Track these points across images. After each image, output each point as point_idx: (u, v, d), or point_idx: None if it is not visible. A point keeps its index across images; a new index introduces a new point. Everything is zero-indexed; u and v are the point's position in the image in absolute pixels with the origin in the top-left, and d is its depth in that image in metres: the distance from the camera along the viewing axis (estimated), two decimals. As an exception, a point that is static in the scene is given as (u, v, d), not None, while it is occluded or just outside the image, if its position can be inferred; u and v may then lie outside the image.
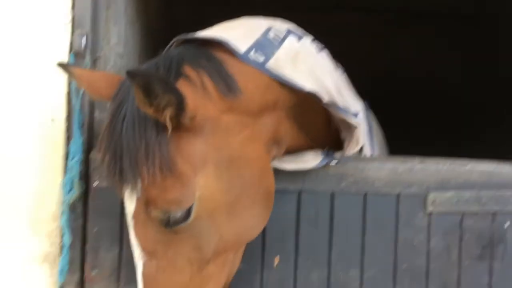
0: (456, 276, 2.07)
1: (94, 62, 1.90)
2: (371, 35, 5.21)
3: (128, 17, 2.88)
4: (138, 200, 1.37)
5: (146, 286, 1.42)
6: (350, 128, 1.98)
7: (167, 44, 1.71)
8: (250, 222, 1.57)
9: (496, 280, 2.10)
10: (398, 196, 2.04)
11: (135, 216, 1.39)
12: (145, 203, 1.36)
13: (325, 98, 1.78)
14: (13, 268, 1.86)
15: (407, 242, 2.04)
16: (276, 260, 1.97)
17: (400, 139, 3.38)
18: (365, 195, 2.02)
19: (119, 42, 2.58)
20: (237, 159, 1.46)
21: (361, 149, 2.11)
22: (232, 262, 1.60)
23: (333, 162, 1.92)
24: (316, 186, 1.98)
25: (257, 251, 1.95)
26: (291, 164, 1.84)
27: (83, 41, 1.76)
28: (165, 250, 1.40)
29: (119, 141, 1.30)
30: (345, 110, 1.91)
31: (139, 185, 1.32)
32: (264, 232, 1.95)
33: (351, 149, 1.99)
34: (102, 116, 2.19)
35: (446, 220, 2.06)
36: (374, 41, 5.25)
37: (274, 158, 1.78)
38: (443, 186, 2.06)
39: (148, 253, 1.40)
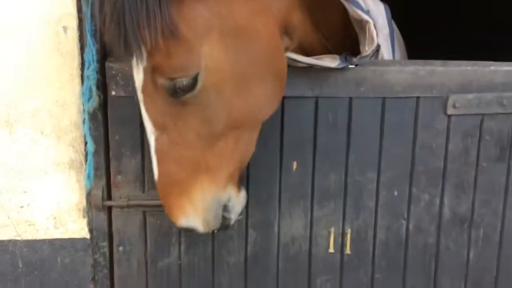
0: (473, 177, 2.10)
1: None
2: None
3: None
4: (144, 70, 1.39)
5: (159, 161, 1.48)
6: (365, 27, 1.90)
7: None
8: (261, 99, 1.57)
9: (513, 181, 2.13)
10: (417, 99, 2.01)
11: (144, 89, 1.42)
12: (151, 72, 1.38)
13: None
14: (42, 174, 1.93)
15: (425, 145, 2.05)
16: (294, 165, 2.00)
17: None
18: (384, 99, 1.99)
19: None
20: (244, 30, 1.44)
21: (377, 51, 2.05)
22: (246, 142, 1.60)
23: (351, 66, 1.87)
24: (334, 92, 1.96)
25: (275, 156, 1.98)
26: (305, 59, 1.79)
27: None
28: (175, 123, 1.43)
29: (121, 8, 1.29)
30: (358, 3, 1.83)
31: (143, 52, 1.33)
32: (281, 137, 1.97)
33: (366, 48, 1.93)
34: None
35: (466, 122, 2.05)
36: None
37: (286, 50, 1.75)
38: (464, 88, 2.02)
39: (159, 127, 1.44)
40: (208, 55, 1.38)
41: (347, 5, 1.83)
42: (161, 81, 1.38)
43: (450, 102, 2.02)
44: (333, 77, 1.94)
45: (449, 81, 2.01)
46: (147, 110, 1.45)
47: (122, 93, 1.82)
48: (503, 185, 2.13)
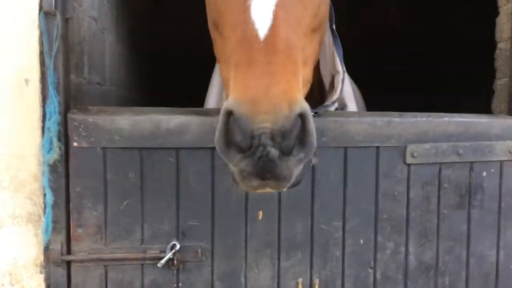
0: (436, 224, 2.14)
1: (66, 22, 1.86)
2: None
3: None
4: None
5: (278, 5, 1.34)
6: (333, 81, 2.02)
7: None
8: None
9: (474, 228, 2.18)
10: (377, 149, 2.07)
11: None
12: None
13: None
14: (-3, 230, 1.85)
15: (387, 193, 2.09)
16: (260, 215, 2.00)
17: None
18: (346, 149, 2.05)
19: (93, 6, 2.53)
20: None
21: (342, 108, 2.15)
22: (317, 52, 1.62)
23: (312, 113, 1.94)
24: (297, 142, 2.00)
25: (240, 205, 1.97)
26: None
27: (53, 0, 1.72)
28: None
29: None
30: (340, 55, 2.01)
31: None
32: (247, 187, 1.97)
33: (329, 99, 2.02)
34: (77, 80, 2.18)
35: (425, 171, 2.12)
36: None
37: None
38: (421, 138, 2.10)
39: None
40: None
41: (334, 54, 1.99)
42: None
43: (408, 151, 2.09)
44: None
45: (406, 131, 2.09)
46: None
47: (84, 144, 1.81)
48: (465, 232, 2.18)
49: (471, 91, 4.40)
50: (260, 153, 1.21)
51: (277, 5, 1.33)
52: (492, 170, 2.17)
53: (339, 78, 2.03)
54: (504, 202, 2.19)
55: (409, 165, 2.10)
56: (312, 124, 1.27)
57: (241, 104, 1.20)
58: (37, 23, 1.78)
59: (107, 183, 1.83)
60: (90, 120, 1.80)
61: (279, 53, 1.29)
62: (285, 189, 1.34)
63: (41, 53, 1.77)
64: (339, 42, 2.05)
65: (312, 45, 1.50)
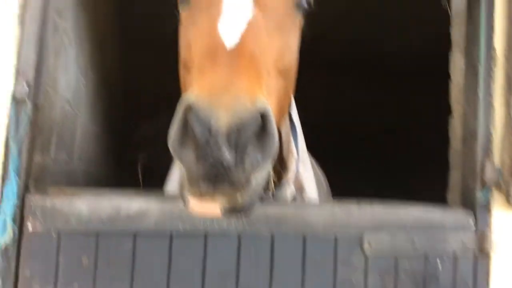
0: (395, 316, 2.12)
1: (36, 109, 1.93)
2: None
3: (79, 65, 2.94)
4: None
5: (246, 31, 1.41)
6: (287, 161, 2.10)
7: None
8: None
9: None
10: (336, 238, 2.11)
11: None
12: None
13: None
14: None
15: (345, 283, 2.09)
16: (217, 303, 1.97)
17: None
18: (304, 238, 2.08)
19: (68, 89, 2.63)
20: None
21: (302, 192, 2.22)
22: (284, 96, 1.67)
23: (265, 196, 1.99)
24: (257, 229, 2.03)
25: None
26: None
27: (25, 88, 1.80)
28: (280, 22, 1.57)
29: None
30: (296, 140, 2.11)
31: None
32: (203, 272, 1.96)
33: (284, 180, 2.08)
34: (42, 160, 2.21)
35: (382, 261, 2.14)
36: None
37: None
38: (378, 227, 2.16)
39: (264, 7, 1.51)
40: None
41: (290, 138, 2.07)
42: None
43: (365, 241, 2.13)
44: (255, 214, 2.02)
45: (364, 221, 2.15)
46: None
47: (39, 228, 1.81)
48: (424, 324, 2.16)
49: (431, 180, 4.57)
50: (214, 157, 1.14)
51: (246, 28, 1.43)
52: (446, 261, 2.21)
53: (293, 160, 2.11)
54: (458, 293, 2.21)
55: (366, 254, 2.13)
56: (274, 126, 1.22)
57: (201, 97, 1.17)
58: (7, 111, 1.84)
59: (59, 267, 1.80)
60: (48, 202, 1.81)
61: (243, 58, 1.31)
62: (240, 202, 1.23)
63: (7, 138, 1.81)
64: (296, 127, 2.17)
65: (276, 85, 1.54)
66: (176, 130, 1.19)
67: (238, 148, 1.15)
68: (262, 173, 1.24)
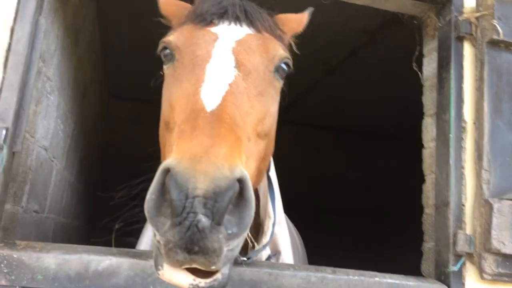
0: None
1: (13, 155, 1.89)
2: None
3: (59, 112, 2.92)
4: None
5: (227, 95, 1.46)
6: (263, 225, 2.09)
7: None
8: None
9: None
10: (310, 305, 2.06)
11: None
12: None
13: None
14: None
15: None
16: None
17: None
18: (279, 303, 2.02)
19: (46, 136, 2.59)
20: None
21: (275, 254, 2.19)
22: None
23: (244, 258, 1.95)
24: (231, 293, 1.97)
25: None
26: None
27: (3, 134, 1.77)
28: (259, 87, 1.62)
29: None
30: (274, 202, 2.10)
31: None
32: None
33: (261, 243, 2.05)
34: (13, 209, 2.13)
35: (356, 331, 2.09)
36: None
37: None
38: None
39: (246, 73, 1.59)
40: None
41: (268, 199, 2.07)
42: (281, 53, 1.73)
43: (340, 310, 2.09)
44: (231, 278, 1.97)
45: (339, 288, 2.11)
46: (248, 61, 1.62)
47: (3, 282, 1.71)
48: None
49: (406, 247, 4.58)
50: (190, 222, 1.12)
51: (227, 92, 1.48)
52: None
53: (270, 222, 2.09)
54: None
55: (340, 324, 2.08)
56: (251, 193, 1.21)
57: (180, 161, 1.16)
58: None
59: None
60: (15, 256, 1.73)
61: (223, 122, 1.33)
62: (213, 270, 1.20)
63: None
64: (274, 187, 2.17)
65: (256, 148, 1.56)
66: (153, 195, 1.18)
67: (215, 215, 1.14)
68: (238, 241, 1.23)
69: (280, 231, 2.30)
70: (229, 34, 1.69)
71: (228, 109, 1.40)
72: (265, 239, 2.09)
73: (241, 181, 1.20)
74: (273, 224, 2.11)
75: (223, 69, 1.53)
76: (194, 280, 1.23)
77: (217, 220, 1.14)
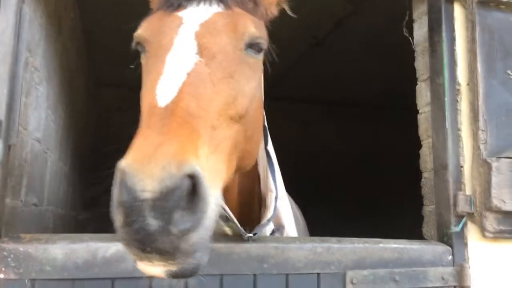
0: None
1: (9, 148, 1.85)
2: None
3: (49, 102, 2.87)
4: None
5: (185, 85, 1.40)
6: (266, 200, 2.09)
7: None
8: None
9: None
10: (318, 275, 2.09)
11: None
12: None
13: None
14: None
15: (329, 320, 2.06)
16: None
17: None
18: (287, 275, 2.05)
19: (38, 128, 2.54)
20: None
21: (278, 228, 2.20)
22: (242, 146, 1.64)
23: (250, 235, 1.96)
24: (238, 269, 1.98)
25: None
26: (231, 214, 1.82)
27: (-3, 129, 1.73)
28: (223, 68, 1.53)
29: None
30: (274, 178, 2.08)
31: None
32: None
33: (265, 218, 2.06)
34: (13, 203, 2.11)
35: (365, 297, 2.13)
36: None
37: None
38: (359, 264, 2.15)
39: (209, 57, 1.50)
40: None
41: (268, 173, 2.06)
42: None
43: (348, 278, 2.12)
44: (237, 253, 1.98)
45: (345, 257, 2.14)
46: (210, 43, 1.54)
47: (12, 276, 1.70)
48: None
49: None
50: (139, 225, 1.12)
51: (184, 82, 1.42)
52: (428, 298, 2.22)
53: (272, 196, 2.09)
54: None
55: (350, 291, 2.11)
56: (205, 188, 1.20)
57: (131, 164, 1.17)
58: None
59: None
60: (21, 249, 1.72)
61: (175, 117, 1.31)
62: (175, 268, 1.21)
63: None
64: (273, 162, 2.17)
65: (228, 132, 1.52)
66: (114, 193, 1.19)
67: (164, 215, 1.14)
68: (197, 234, 1.21)
69: (282, 205, 2.30)
70: (194, 17, 1.61)
71: (183, 102, 1.37)
72: (269, 213, 2.09)
73: (193, 177, 1.19)
74: (276, 198, 2.11)
75: (182, 58, 1.48)
76: (165, 266, 1.22)
77: (166, 221, 1.14)
